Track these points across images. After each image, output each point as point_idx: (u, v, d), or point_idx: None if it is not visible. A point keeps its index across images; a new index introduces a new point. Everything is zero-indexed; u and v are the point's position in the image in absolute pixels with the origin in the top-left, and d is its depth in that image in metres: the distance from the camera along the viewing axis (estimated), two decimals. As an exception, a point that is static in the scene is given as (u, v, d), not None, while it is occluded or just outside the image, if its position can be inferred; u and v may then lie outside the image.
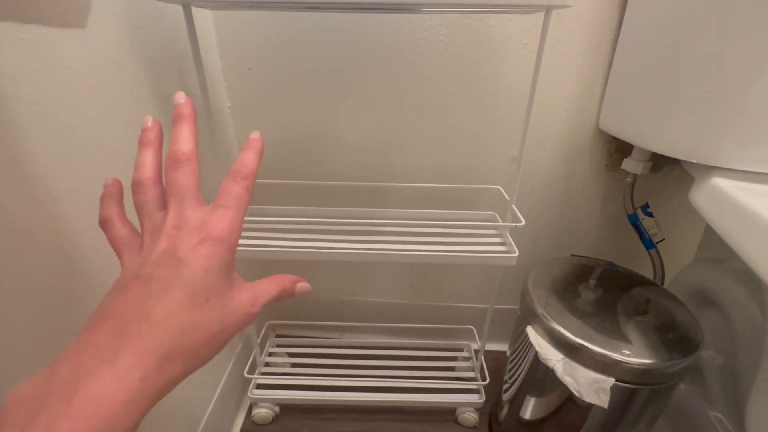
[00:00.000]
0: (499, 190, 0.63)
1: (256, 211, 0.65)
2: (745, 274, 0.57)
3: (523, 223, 0.53)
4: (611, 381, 0.46)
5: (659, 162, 0.65)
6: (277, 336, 0.89)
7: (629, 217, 0.67)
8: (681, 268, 0.68)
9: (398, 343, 0.83)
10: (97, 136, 0.39)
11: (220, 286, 0.20)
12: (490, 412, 0.76)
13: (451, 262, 0.54)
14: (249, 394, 0.71)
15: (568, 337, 0.49)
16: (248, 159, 0.24)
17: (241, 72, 0.65)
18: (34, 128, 0.31)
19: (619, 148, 0.67)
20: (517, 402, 0.63)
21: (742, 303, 0.56)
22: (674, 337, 0.49)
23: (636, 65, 0.57)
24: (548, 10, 0.42)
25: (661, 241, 0.67)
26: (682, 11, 0.49)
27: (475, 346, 0.82)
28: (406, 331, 0.87)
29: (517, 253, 0.53)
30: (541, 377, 0.57)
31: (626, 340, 0.48)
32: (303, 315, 0.88)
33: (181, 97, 0.24)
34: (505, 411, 0.68)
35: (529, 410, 0.62)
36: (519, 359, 0.61)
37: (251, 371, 0.73)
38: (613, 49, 0.60)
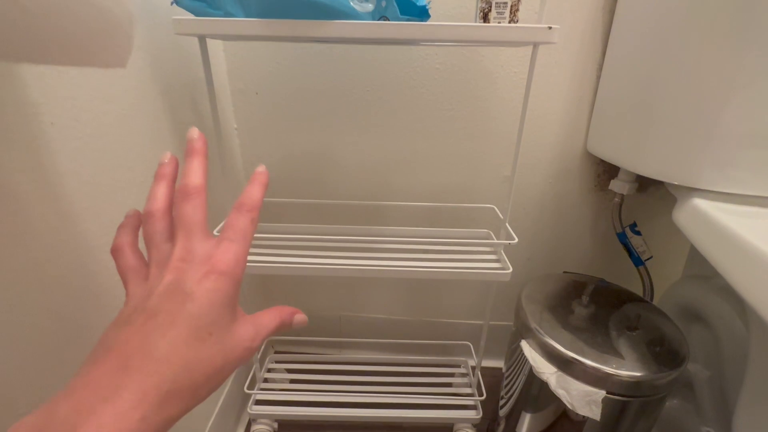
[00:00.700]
0: (493, 209, 0.66)
1: (260, 228, 0.67)
2: (730, 290, 0.59)
3: (516, 240, 0.55)
4: (602, 393, 0.47)
5: (645, 182, 0.68)
6: (276, 352, 0.90)
7: (618, 235, 0.70)
8: (669, 284, 0.70)
9: (396, 359, 0.84)
10: (118, 157, 0.41)
11: (223, 321, 0.20)
12: (486, 428, 0.77)
13: (448, 278, 0.56)
14: (248, 409, 0.71)
15: (561, 351, 0.51)
16: (253, 192, 0.24)
17: (248, 96, 0.68)
18: (65, 152, 0.34)
19: (606, 169, 0.71)
20: (513, 417, 0.65)
21: (727, 318, 0.59)
22: (662, 351, 0.51)
23: (618, 92, 0.61)
24: (535, 45, 0.46)
25: (650, 258, 0.70)
26: (659, 44, 0.53)
27: (471, 362, 0.83)
28: (404, 347, 0.88)
29: (511, 270, 0.56)
30: (536, 392, 0.59)
31: (617, 353, 0.50)
32: (302, 331, 0.89)
33: (194, 133, 0.26)
34: (501, 427, 0.69)
35: (525, 426, 0.63)
36: (514, 374, 0.62)
37: (251, 387, 0.74)
38: (598, 77, 0.64)
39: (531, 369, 0.55)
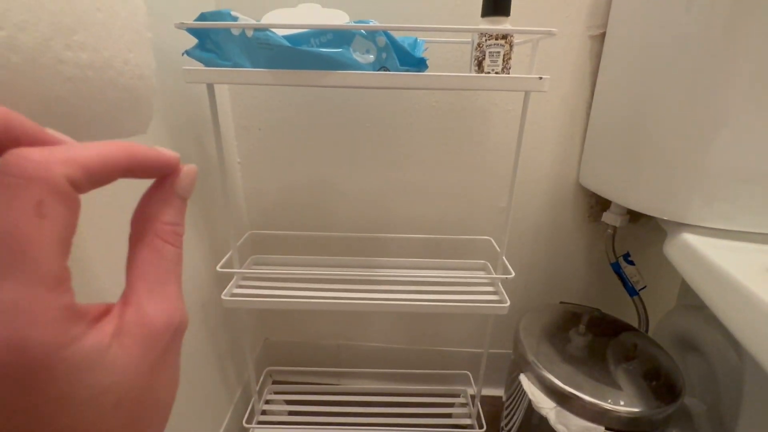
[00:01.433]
0: (489, 241, 0.68)
1: (261, 260, 0.69)
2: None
3: (513, 275, 0.57)
4: (601, 429, 0.48)
5: (637, 214, 0.70)
6: (275, 383, 0.89)
7: (612, 265, 0.71)
8: (664, 313, 0.71)
9: (396, 389, 0.84)
10: (128, 198, 0.43)
11: None
12: (487, 460, 0.76)
13: (446, 311, 0.57)
14: (247, 444, 0.71)
15: (559, 386, 0.51)
16: None
17: (251, 131, 0.70)
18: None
19: (599, 201, 0.73)
20: (513, 450, 0.64)
21: (721, 348, 0.60)
22: (659, 385, 0.52)
23: (607, 130, 0.63)
24: (527, 93, 0.49)
25: (644, 288, 0.71)
26: (644, 84, 0.56)
27: (471, 391, 0.83)
28: (403, 377, 0.88)
29: (509, 303, 0.57)
30: (536, 423, 0.59)
31: (615, 387, 0.51)
32: (301, 361, 0.89)
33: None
34: (502, 459, 0.68)
35: (525, 459, 0.63)
36: (514, 406, 0.62)
37: (250, 419, 0.73)
38: (588, 115, 0.67)
39: (530, 400, 0.56)
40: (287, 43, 0.41)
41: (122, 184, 0.16)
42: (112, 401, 0.13)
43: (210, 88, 0.49)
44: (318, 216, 0.75)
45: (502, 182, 0.72)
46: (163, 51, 0.48)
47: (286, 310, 0.87)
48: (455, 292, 0.60)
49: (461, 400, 0.83)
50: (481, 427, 0.73)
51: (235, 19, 0.43)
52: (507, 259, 0.60)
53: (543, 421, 0.54)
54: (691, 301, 0.70)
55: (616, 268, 0.71)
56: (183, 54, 0.44)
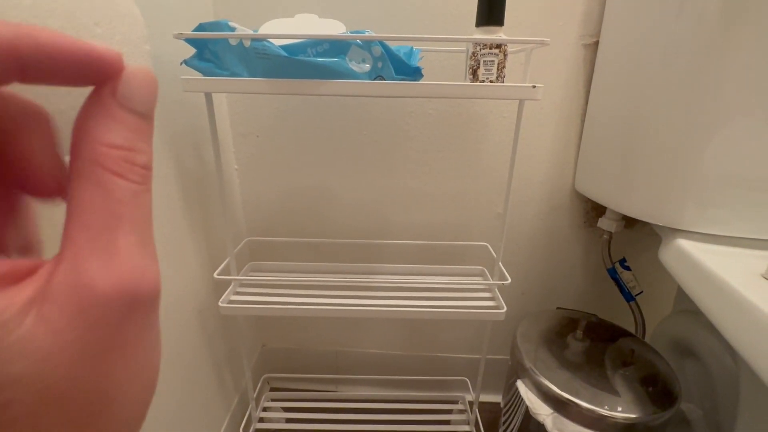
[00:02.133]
0: (486, 247, 0.68)
1: (258, 267, 0.69)
2: (718, 327, 0.61)
3: (509, 281, 0.57)
4: (598, 435, 0.48)
5: (632, 219, 0.71)
6: (272, 389, 0.89)
7: (608, 270, 0.71)
8: (661, 318, 0.72)
9: (394, 396, 0.83)
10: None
11: None
12: (486, 467, 0.76)
13: (443, 318, 0.58)
14: (244, 452, 0.70)
15: (556, 392, 0.51)
16: None
17: (249, 138, 0.71)
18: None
19: (595, 207, 0.74)
20: (512, 457, 0.64)
21: (717, 354, 0.60)
22: (655, 391, 0.52)
23: (602, 136, 0.64)
24: (521, 101, 0.49)
25: (640, 293, 0.72)
26: (637, 91, 0.57)
27: (469, 397, 0.83)
28: (401, 383, 0.88)
29: (505, 309, 0.57)
30: (534, 430, 0.59)
31: (612, 393, 0.51)
32: (299, 367, 0.89)
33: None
34: (500, 466, 0.68)
35: (524, 465, 0.63)
36: (512, 411, 0.62)
37: (247, 427, 0.73)
38: (582, 122, 0.68)
39: (528, 408, 0.56)
40: (284, 53, 0.41)
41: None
42: (22, 400, 0.09)
43: (208, 96, 0.49)
44: (315, 223, 0.76)
45: (498, 188, 0.73)
46: (161, 60, 0.49)
47: (283, 317, 0.87)
48: (452, 298, 0.60)
49: (459, 406, 0.82)
50: (479, 433, 0.72)
51: (233, 29, 0.43)
52: (504, 265, 0.60)
53: (540, 427, 0.54)
54: (687, 307, 0.71)
55: (613, 274, 0.71)
56: (181, 63, 0.45)
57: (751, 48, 0.46)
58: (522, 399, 0.57)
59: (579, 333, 0.62)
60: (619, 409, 0.48)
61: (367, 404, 0.82)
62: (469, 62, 0.49)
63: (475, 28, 0.47)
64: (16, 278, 0.10)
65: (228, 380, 0.73)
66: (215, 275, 0.57)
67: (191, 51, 0.45)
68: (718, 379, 0.60)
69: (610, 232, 0.69)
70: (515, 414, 0.61)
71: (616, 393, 0.51)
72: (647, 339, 0.73)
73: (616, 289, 0.74)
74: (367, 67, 0.45)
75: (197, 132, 0.59)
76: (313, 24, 0.48)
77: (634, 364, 0.57)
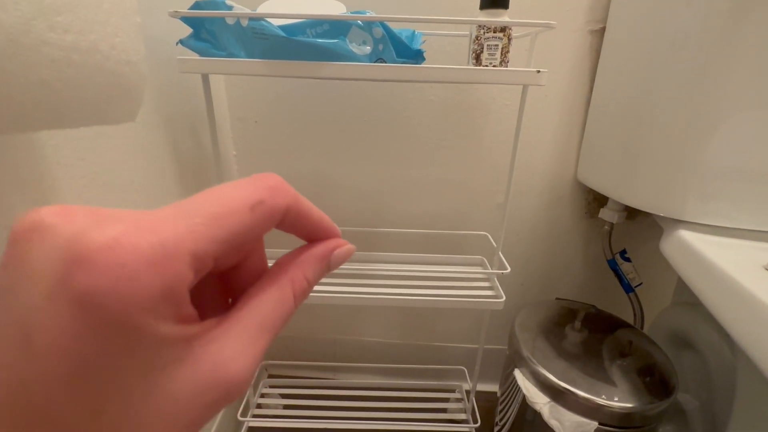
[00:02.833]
0: (486, 236, 0.68)
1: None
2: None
3: (509, 270, 0.56)
4: (594, 425, 0.48)
5: (634, 210, 0.70)
6: (270, 376, 0.89)
7: (608, 262, 0.71)
8: (660, 310, 0.71)
9: (391, 384, 0.84)
10: (123, 191, 0.42)
11: None
12: (481, 455, 0.76)
13: (441, 306, 0.57)
14: (241, 437, 0.71)
15: (553, 381, 0.51)
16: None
17: (247, 124, 0.70)
18: (72, 189, 0.35)
19: (596, 197, 0.73)
20: (507, 445, 0.65)
21: (715, 346, 0.60)
22: (652, 381, 0.52)
23: (605, 126, 0.63)
24: (525, 86, 0.48)
25: (640, 285, 0.71)
26: (643, 80, 0.56)
27: (466, 386, 0.83)
28: (399, 371, 0.88)
29: (504, 298, 0.57)
30: (530, 419, 0.59)
31: (609, 383, 0.51)
32: (297, 355, 0.89)
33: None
34: (496, 454, 0.69)
35: (519, 454, 0.63)
36: (509, 401, 0.62)
37: (244, 413, 0.73)
38: (586, 111, 0.67)
39: (525, 397, 0.56)
40: (283, 33, 0.40)
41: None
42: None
43: (205, 78, 0.48)
44: (314, 210, 0.75)
45: (499, 178, 0.72)
46: (157, 40, 0.48)
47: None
48: (451, 287, 0.60)
49: (456, 395, 0.83)
50: (475, 422, 0.73)
51: (230, 8, 0.42)
52: (503, 255, 0.60)
53: (537, 416, 0.54)
54: (686, 299, 0.71)
55: (613, 265, 0.71)
56: (177, 43, 0.44)
57: (761, 39, 0.44)
58: (519, 388, 0.58)
59: (577, 323, 0.62)
60: (616, 398, 0.48)
61: (364, 392, 0.82)
62: (472, 46, 0.47)
63: (480, 11, 0.46)
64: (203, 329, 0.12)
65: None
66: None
67: (187, 31, 0.44)
68: (715, 371, 0.60)
69: (612, 223, 0.68)
70: (512, 403, 0.61)
71: (613, 383, 0.51)
72: (645, 330, 0.73)
73: (615, 281, 0.74)
74: (368, 49, 0.43)
75: (194, 115, 0.58)
76: (313, 4, 0.47)
77: (631, 354, 0.57)
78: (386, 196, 0.74)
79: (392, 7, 0.61)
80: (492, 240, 0.66)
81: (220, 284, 0.16)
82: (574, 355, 0.55)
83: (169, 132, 0.51)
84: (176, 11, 0.41)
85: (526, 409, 0.59)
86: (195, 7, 0.42)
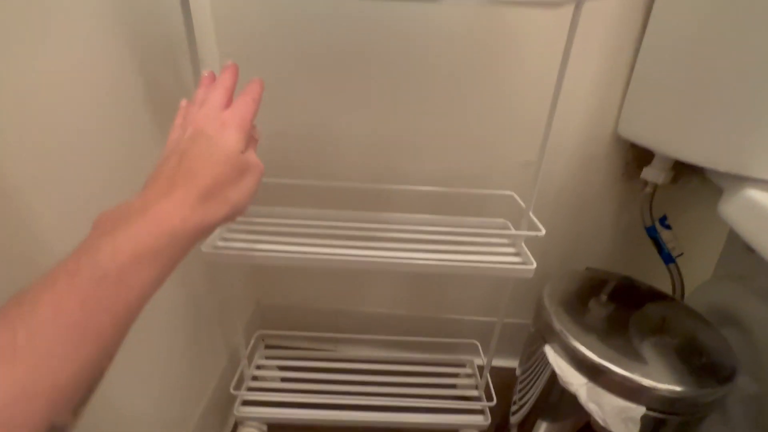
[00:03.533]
0: (512, 196, 0.59)
1: (252, 211, 0.60)
2: (773, 293, 0.54)
3: (543, 232, 0.49)
4: (642, 410, 0.41)
5: (679, 172, 0.61)
6: (267, 347, 0.83)
7: (647, 229, 0.63)
8: (698, 284, 0.64)
9: (396, 357, 0.78)
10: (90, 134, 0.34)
11: (236, 150, 0.28)
12: (494, 434, 0.71)
13: (462, 273, 0.50)
14: (235, 411, 0.65)
15: (591, 359, 0.44)
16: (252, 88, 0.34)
17: (238, 61, 0.59)
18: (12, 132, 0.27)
19: (636, 156, 0.64)
20: (527, 426, 0.59)
21: (765, 322, 0.53)
22: (707, 362, 0.45)
23: (661, 67, 0.53)
24: (578, 3, 0.39)
25: (680, 255, 0.64)
26: (712, 10, 0.46)
27: (478, 361, 0.77)
28: (405, 345, 0.82)
29: (535, 265, 0.49)
30: (556, 400, 0.53)
31: (656, 362, 0.44)
32: (295, 325, 0.82)
33: (229, 62, 0.36)
34: (512, 435, 0.63)
35: (540, 435, 0.57)
36: (531, 380, 0.56)
37: (238, 386, 0.67)
38: (637, 50, 0.57)
39: (551, 375, 0.49)
40: None
41: None
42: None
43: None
44: (315, 164, 0.66)
45: (527, 130, 0.63)
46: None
47: (279, 270, 0.79)
48: (470, 252, 0.52)
49: (467, 370, 0.77)
50: (490, 399, 0.67)
51: None
52: (536, 219, 0.52)
53: (564, 396, 0.47)
54: (732, 271, 0.63)
55: (652, 233, 0.63)
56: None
57: None
58: (545, 366, 0.51)
59: (613, 295, 0.55)
60: (667, 380, 0.42)
61: (367, 365, 0.76)
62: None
63: None
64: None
65: (218, 336, 0.67)
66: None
67: None
68: (765, 352, 0.53)
69: (656, 185, 0.60)
70: (535, 382, 0.55)
71: (660, 362, 0.44)
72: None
73: (648, 250, 0.67)
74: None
75: (175, 47, 0.48)
76: None
77: (679, 331, 0.50)
78: (397, 148, 0.65)
79: None
80: (519, 200, 0.58)
81: None
82: (613, 331, 0.48)
83: (143, 67, 0.42)
84: None
85: (552, 389, 0.52)
86: None
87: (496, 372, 0.77)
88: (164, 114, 0.47)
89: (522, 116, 0.62)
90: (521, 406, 0.60)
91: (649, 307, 0.54)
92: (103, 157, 0.38)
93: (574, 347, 0.45)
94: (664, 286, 0.66)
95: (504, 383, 0.72)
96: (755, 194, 0.46)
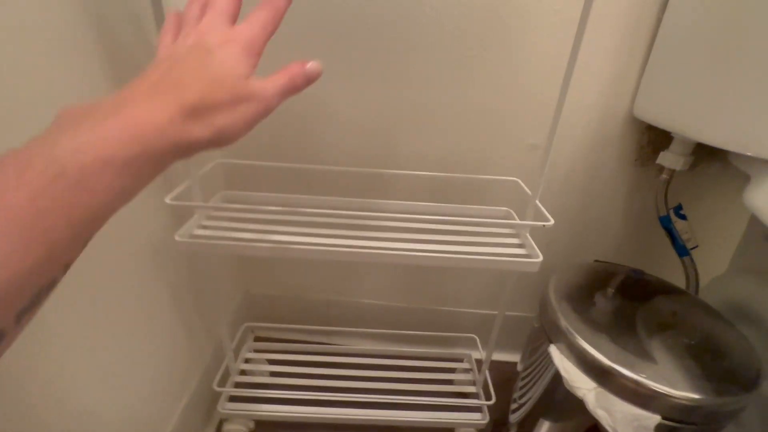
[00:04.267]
0: (517, 182, 0.55)
1: (235, 197, 0.55)
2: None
3: (552, 222, 0.44)
4: (657, 419, 0.38)
5: (697, 157, 0.57)
6: (256, 339, 0.80)
7: (661, 219, 0.59)
8: (712, 277, 0.60)
9: (391, 351, 0.74)
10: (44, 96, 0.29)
11: (236, 74, 0.24)
12: (492, 431, 0.68)
13: (463, 266, 0.45)
14: (219, 408, 0.61)
15: (601, 361, 0.40)
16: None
17: (218, 31, 0.54)
18: None
19: (651, 140, 0.59)
20: (527, 425, 0.56)
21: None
22: (728, 366, 0.41)
23: (685, 40, 0.48)
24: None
25: (695, 247, 0.60)
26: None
27: (476, 355, 0.74)
28: (400, 338, 0.78)
29: (541, 258, 0.45)
30: (560, 400, 0.49)
31: (670, 366, 0.40)
32: (285, 317, 0.79)
33: None
34: (511, 434, 0.60)
35: (541, 436, 0.54)
36: (534, 378, 0.53)
37: (223, 381, 0.64)
38: (658, 22, 0.51)
39: (555, 374, 0.45)
40: None
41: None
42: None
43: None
44: (305, 145, 0.61)
45: (534, 109, 0.57)
46: None
47: (269, 258, 0.75)
48: (471, 243, 0.48)
49: (465, 365, 0.74)
50: (488, 398, 0.64)
51: None
52: (543, 208, 0.47)
53: (569, 397, 0.44)
54: (749, 265, 0.59)
55: (666, 223, 0.59)
56: None
57: None
58: (549, 366, 0.47)
59: (624, 291, 0.51)
60: (684, 386, 0.38)
61: (361, 359, 0.73)
62: None
63: None
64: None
65: (200, 328, 0.63)
66: (168, 200, 0.43)
67: None
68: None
69: (673, 171, 0.55)
70: (538, 380, 0.51)
71: (675, 365, 0.40)
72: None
73: (658, 242, 0.62)
74: None
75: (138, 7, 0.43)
76: None
77: (696, 330, 0.46)
78: (394, 130, 0.60)
79: None
80: (525, 187, 0.53)
81: None
82: (624, 330, 0.44)
83: (101, 27, 0.37)
84: None
85: (555, 389, 0.49)
86: None
87: (495, 366, 0.74)
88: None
89: (529, 94, 0.56)
90: (522, 405, 0.56)
91: (663, 303, 0.50)
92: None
93: (582, 348, 0.42)
94: (678, 280, 0.62)
95: (503, 378, 0.69)
96: (788, 182, 0.41)
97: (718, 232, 0.63)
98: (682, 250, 0.59)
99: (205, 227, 0.49)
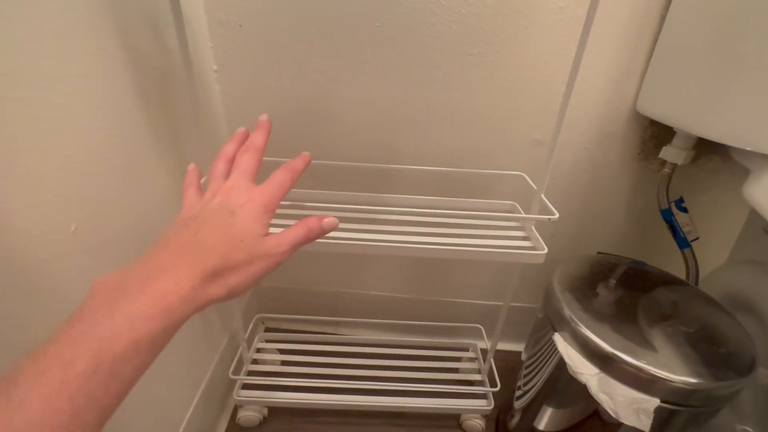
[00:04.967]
0: (522, 177, 0.56)
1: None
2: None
3: (557, 216, 0.46)
4: (656, 402, 0.39)
5: (698, 152, 0.58)
6: (267, 330, 0.82)
7: (663, 212, 0.60)
8: (711, 269, 0.62)
9: (398, 341, 0.76)
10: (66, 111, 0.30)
11: (254, 234, 0.26)
12: (497, 417, 0.71)
13: (469, 258, 0.47)
14: (234, 395, 0.64)
15: (603, 348, 0.42)
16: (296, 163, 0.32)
17: (230, 30, 0.55)
18: None
19: (654, 135, 0.60)
20: (531, 411, 0.58)
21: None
22: (725, 352, 0.43)
23: (689, 37, 0.49)
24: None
25: (696, 239, 0.61)
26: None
27: (481, 345, 0.76)
28: (407, 328, 0.81)
29: (546, 251, 0.47)
30: (563, 387, 0.52)
31: (669, 352, 0.42)
32: (295, 308, 0.81)
33: (264, 117, 0.34)
34: (516, 419, 0.62)
35: (544, 421, 0.56)
36: (538, 366, 0.55)
37: (237, 369, 0.66)
38: (661, 20, 0.52)
39: (559, 362, 0.47)
40: None
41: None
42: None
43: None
44: (313, 141, 0.63)
45: (539, 105, 0.59)
46: None
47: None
48: (477, 236, 0.49)
49: (470, 354, 0.76)
50: (494, 385, 0.66)
51: None
52: (548, 202, 0.49)
53: (572, 384, 0.46)
54: (748, 256, 0.61)
55: (667, 216, 0.60)
56: None
57: None
58: (553, 352, 0.49)
59: (627, 282, 0.53)
60: (682, 371, 0.40)
61: (368, 348, 0.75)
62: None
63: None
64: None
65: (216, 320, 0.65)
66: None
67: None
68: (781, 339, 0.51)
69: (675, 165, 0.56)
70: (542, 368, 0.53)
71: (674, 352, 0.42)
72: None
73: (659, 235, 0.64)
74: None
75: (158, 12, 0.44)
76: None
77: (695, 318, 0.47)
78: (400, 126, 0.61)
79: None
80: (530, 181, 0.54)
81: None
82: (626, 318, 0.46)
83: (122, 38, 0.38)
84: None
85: (559, 376, 0.51)
86: None
87: (500, 355, 0.76)
88: (150, 93, 0.43)
89: (535, 90, 0.58)
90: (526, 392, 0.58)
91: (663, 293, 0.52)
92: (78, 125, 0.34)
93: (585, 336, 0.43)
94: (678, 271, 0.63)
95: (508, 366, 0.71)
96: (786, 176, 0.43)
97: (718, 224, 0.64)
98: (682, 242, 0.61)
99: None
